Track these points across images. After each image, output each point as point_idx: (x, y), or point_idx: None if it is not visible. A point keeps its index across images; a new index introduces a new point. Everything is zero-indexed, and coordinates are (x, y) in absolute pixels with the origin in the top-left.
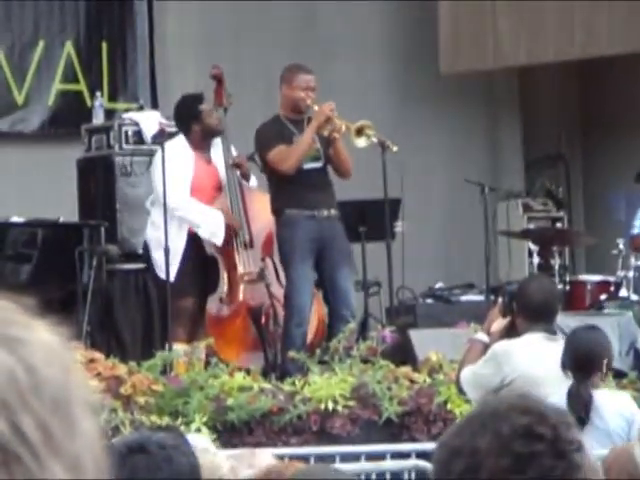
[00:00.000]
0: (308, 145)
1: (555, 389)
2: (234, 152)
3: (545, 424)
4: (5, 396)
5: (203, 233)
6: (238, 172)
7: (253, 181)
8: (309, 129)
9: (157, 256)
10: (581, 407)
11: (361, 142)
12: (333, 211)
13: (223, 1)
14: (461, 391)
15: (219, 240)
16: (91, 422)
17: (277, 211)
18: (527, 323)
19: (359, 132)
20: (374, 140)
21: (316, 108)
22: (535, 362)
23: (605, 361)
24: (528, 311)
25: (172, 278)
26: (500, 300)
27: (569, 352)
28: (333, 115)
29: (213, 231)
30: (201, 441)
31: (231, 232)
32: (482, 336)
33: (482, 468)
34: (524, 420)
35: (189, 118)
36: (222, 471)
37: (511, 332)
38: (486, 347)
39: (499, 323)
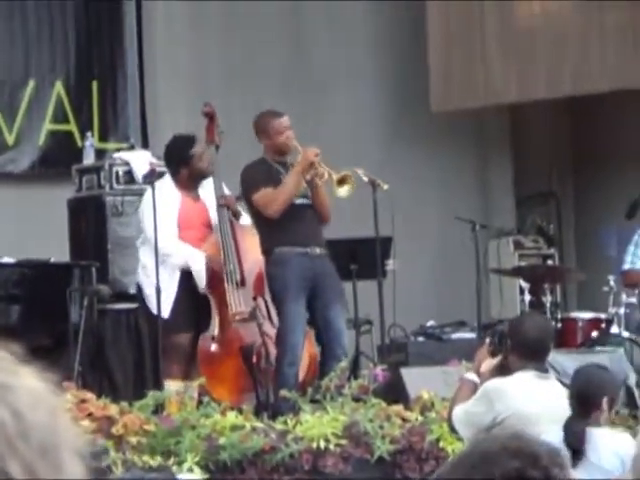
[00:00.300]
0: (292, 189)
1: (547, 427)
2: (226, 190)
3: (537, 467)
4: None
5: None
6: (230, 213)
7: (245, 219)
8: (293, 173)
9: (150, 293)
10: (574, 441)
11: (342, 192)
12: (323, 250)
13: (214, 38)
14: (453, 430)
15: (202, 283)
16: (77, 466)
17: (267, 250)
18: (521, 361)
19: (341, 182)
20: (364, 179)
21: (300, 149)
22: (527, 400)
23: (605, 399)
24: (523, 348)
25: (166, 315)
26: (488, 340)
27: (571, 388)
28: (317, 161)
29: (196, 277)
30: None
31: (220, 272)
32: (472, 376)
33: None
34: (515, 464)
35: (179, 161)
36: None
37: (502, 371)
38: (476, 387)
39: (489, 363)
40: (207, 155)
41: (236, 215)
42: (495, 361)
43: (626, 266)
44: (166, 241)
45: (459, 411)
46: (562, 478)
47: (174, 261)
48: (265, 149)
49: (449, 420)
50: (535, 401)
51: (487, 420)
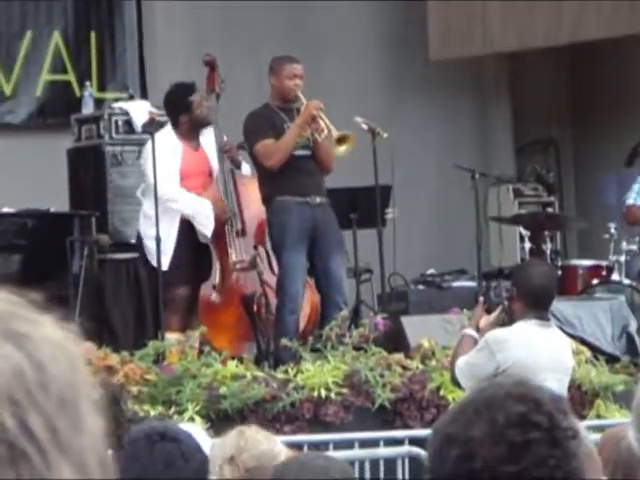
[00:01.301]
0: (292, 141)
1: (549, 376)
2: (225, 139)
3: (541, 412)
4: (13, 392)
5: (195, 224)
6: (229, 161)
7: (246, 168)
8: (294, 126)
9: (150, 245)
10: None
11: (341, 150)
12: (325, 199)
13: None
14: (456, 383)
15: (208, 231)
16: (96, 420)
17: (268, 198)
18: (525, 309)
19: (341, 140)
20: (364, 127)
21: (304, 100)
22: (529, 350)
23: None
24: (528, 296)
25: (165, 267)
26: (481, 298)
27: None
28: (319, 114)
29: (203, 222)
30: (194, 430)
31: (222, 221)
32: (471, 331)
33: (476, 456)
34: (519, 408)
35: (178, 109)
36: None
37: (501, 326)
38: (476, 342)
39: (486, 319)
40: (206, 103)
41: (237, 165)
42: (492, 317)
43: (630, 201)
44: (170, 188)
45: (461, 363)
46: (566, 425)
47: (178, 207)
48: (271, 92)
49: (452, 374)
50: (537, 350)
51: (489, 371)
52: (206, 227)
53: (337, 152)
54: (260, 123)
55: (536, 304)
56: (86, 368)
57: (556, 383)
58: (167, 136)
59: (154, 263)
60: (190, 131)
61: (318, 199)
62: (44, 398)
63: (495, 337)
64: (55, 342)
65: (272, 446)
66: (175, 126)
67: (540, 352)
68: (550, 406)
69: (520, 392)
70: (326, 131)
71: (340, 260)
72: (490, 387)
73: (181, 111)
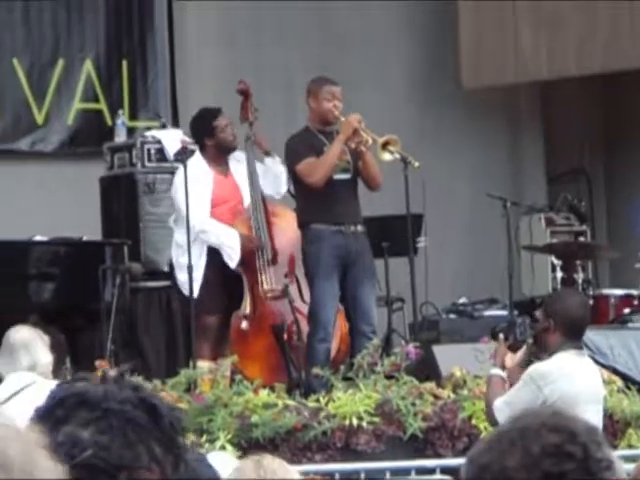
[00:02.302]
0: (335, 157)
1: (587, 407)
2: (259, 168)
3: (575, 443)
4: None
5: (223, 254)
6: (260, 151)
7: (277, 160)
8: (336, 141)
9: (180, 274)
10: None
11: (386, 156)
12: (360, 227)
13: (243, 15)
14: (495, 424)
15: (233, 263)
16: None
17: (303, 225)
18: (563, 339)
19: (385, 146)
20: (396, 156)
21: (343, 119)
22: (571, 381)
23: None
24: (568, 327)
25: (195, 295)
26: (502, 336)
27: None
28: (360, 127)
29: (229, 254)
30: (226, 458)
31: (252, 250)
32: (498, 371)
33: None
34: (554, 438)
35: (203, 133)
36: None
37: (529, 362)
38: (505, 381)
39: (513, 357)
40: (231, 127)
41: (267, 151)
42: (519, 355)
43: None
44: (201, 219)
45: (500, 404)
46: (600, 456)
47: (208, 238)
48: (310, 115)
49: (490, 417)
50: (578, 381)
51: (535, 405)
52: (230, 258)
53: (384, 158)
54: (300, 144)
55: (574, 334)
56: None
57: (595, 414)
58: (197, 163)
59: (185, 292)
60: (217, 156)
61: (352, 228)
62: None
63: (539, 371)
64: (9, 428)
65: (290, 475)
66: (202, 151)
67: (581, 383)
68: (585, 437)
69: (555, 422)
70: (370, 141)
71: (370, 289)
72: (525, 417)
73: (206, 135)
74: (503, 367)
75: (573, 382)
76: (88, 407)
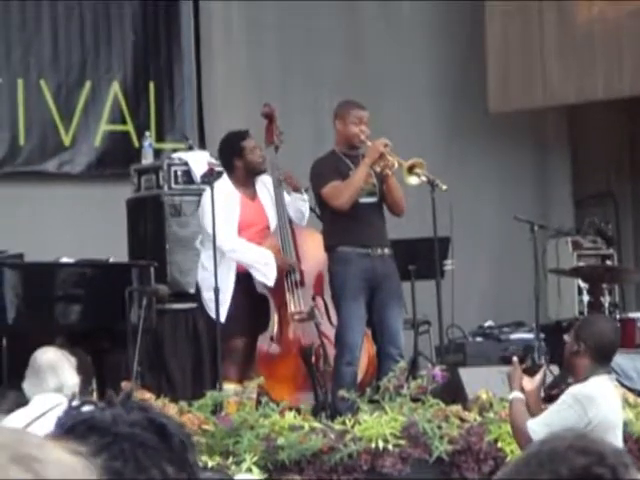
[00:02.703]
0: (361, 181)
1: (618, 432)
2: (286, 196)
3: (604, 465)
4: None
5: (255, 274)
6: (290, 188)
7: (306, 199)
8: (362, 165)
9: (207, 297)
10: None
11: (413, 180)
12: (387, 250)
13: (271, 38)
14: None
15: (270, 282)
16: None
17: (330, 247)
18: (595, 364)
19: (411, 170)
20: (423, 179)
21: (369, 143)
22: (610, 405)
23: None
24: (601, 352)
25: (222, 318)
26: (516, 359)
27: None
28: (386, 151)
29: (265, 273)
30: None
31: (283, 271)
32: (519, 394)
33: None
34: (583, 461)
35: (231, 154)
36: None
37: (555, 385)
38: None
39: (531, 381)
40: (259, 150)
41: (298, 189)
42: (537, 378)
43: None
44: (228, 237)
45: (538, 426)
46: (628, 478)
47: (238, 257)
48: (336, 138)
49: (520, 440)
50: (614, 406)
51: (579, 428)
52: (266, 277)
53: (410, 182)
54: (325, 168)
55: (604, 359)
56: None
57: (619, 438)
58: (224, 186)
59: (212, 314)
60: (245, 178)
61: (379, 250)
62: None
63: (585, 393)
64: (65, 464)
65: None
66: (230, 173)
67: (616, 408)
68: (613, 459)
69: (583, 445)
70: (396, 165)
71: (397, 312)
72: (552, 440)
73: (234, 156)
74: (521, 390)
75: (611, 406)
76: (98, 433)
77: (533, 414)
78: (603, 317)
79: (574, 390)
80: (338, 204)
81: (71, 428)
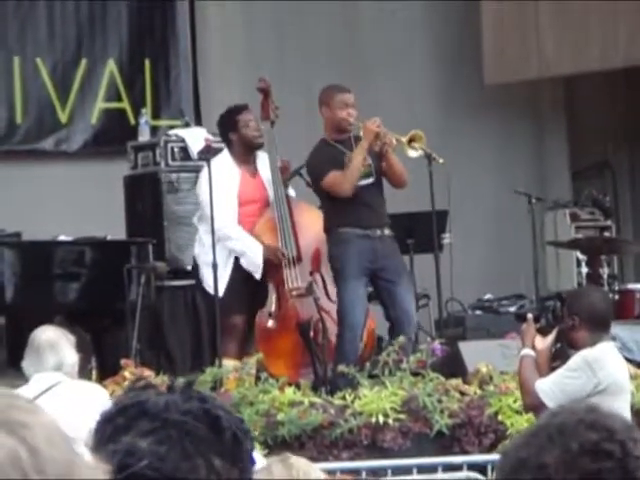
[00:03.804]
0: (360, 166)
1: (628, 396)
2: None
3: (614, 441)
4: (9, 476)
5: (243, 262)
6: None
7: (291, 192)
8: (359, 149)
9: (205, 273)
10: None
11: (413, 153)
12: (387, 230)
13: (266, 14)
14: (532, 408)
15: (257, 274)
16: None
17: (329, 229)
18: (594, 334)
19: (410, 142)
20: (421, 152)
21: (360, 125)
22: (619, 369)
23: None
24: (595, 322)
25: (221, 293)
26: (530, 316)
27: None
28: (380, 130)
29: (251, 263)
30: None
31: (271, 262)
32: (529, 351)
33: None
34: (593, 436)
35: (227, 129)
36: None
37: (559, 347)
38: (534, 362)
39: (543, 340)
40: (255, 124)
41: (284, 186)
42: (550, 338)
43: None
44: (226, 222)
45: (547, 386)
46: (638, 454)
47: (232, 245)
48: (325, 125)
49: (528, 398)
50: (622, 370)
51: (587, 389)
52: (255, 271)
53: (411, 155)
54: (321, 160)
55: (601, 328)
56: (85, 452)
57: (627, 403)
58: (223, 161)
59: (210, 290)
60: (243, 153)
61: (379, 231)
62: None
63: (594, 356)
64: (52, 427)
65: (318, 474)
66: (229, 148)
67: (625, 371)
68: (623, 435)
69: (593, 419)
70: (394, 141)
71: (406, 289)
72: (562, 413)
73: (230, 130)
74: (532, 348)
75: (620, 370)
76: (149, 417)
77: (541, 374)
78: (590, 287)
79: (584, 353)
80: (342, 193)
81: (124, 409)
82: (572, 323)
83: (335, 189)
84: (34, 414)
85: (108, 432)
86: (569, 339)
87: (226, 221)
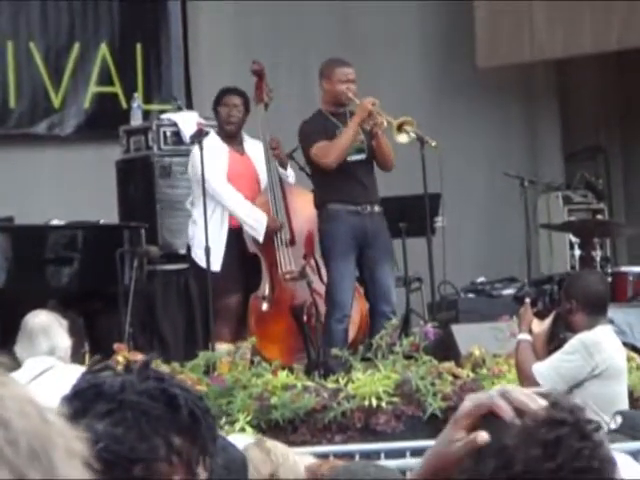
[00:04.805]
0: (350, 140)
1: (625, 378)
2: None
3: (563, 410)
4: None
5: (246, 227)
6: (275, 159)
7: (291, 173)
8: (351, 124)
9: (199, 254)
10: None
11: (402, 138)
12: (377, 207)
13: (257, 0)
14: None
15: (260, 237)
16: (73, 467)
17: (320, 205)
18: (590, 317)
19: (400, 128)
20: (413, 136)
21: (357, 101)
22: (616, 352)
23: None
24: (592, 304)
25: (217, 270)
26: (528, 300)
27: None
28: (375, 109)
29: (254, 226)
30: (246, 440)
31: (271, 231)
32: (526, 335)
33: (514, 462)
34: (544, 411)
35: (213, 108)
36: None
37: (555, 331)
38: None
39: (540, 324)
40: (233, 110)
41: (283, 164)
42: (547, 322)
43: None
44: (220, 184)
45: (544, 369)
46: (588, 418)
47: (230, 204)
48: (323, 97)
49: (526, 382)
50: (620, 353)
51: (584, 372)
52: (257, 231)
53: (400, 140)
54: (313, 129)
55: (599, 310)
56: (60, 421)
57: (625, 387)
58: (211, 140)
59: (203, 265)
60: (224, 134)
61: (369, 208)
62: (13, 453)
63: (591, 339)
64: (23, 398)
65: (295, 457)
66: (218, 127)
67: (622, 354)
68: (569, 404)
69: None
70: (385, 123)
71: (388, 269)
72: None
73: (214, 109)
74: (529, 332)
75: (617, 352)
76: (105, 399)
77: (539, 358)
78: (587, 271)
79: (581, 336)
80: (327, 163)
81: (80, 392)
82: (569, 306)
83: (321, 159)
84: (4, 386)
85: (66, 416)
86: (567, 322)
87: (221, 183)
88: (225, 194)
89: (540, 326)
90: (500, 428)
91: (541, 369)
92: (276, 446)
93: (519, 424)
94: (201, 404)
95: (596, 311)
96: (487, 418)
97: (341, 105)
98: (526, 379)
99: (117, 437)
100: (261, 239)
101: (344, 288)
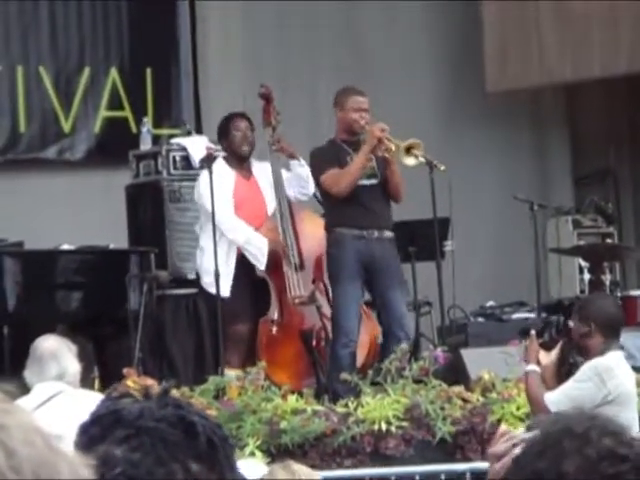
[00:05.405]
0: (360, 168)
1: (636, 404)
2: (284, 172)
3: (625, 445)
4: None
5: (247, 255)
6: (283, 153)
7: (303, 163)
8: (361, 152)
9: (208, 281)
10: None
11: (410, 161)
12: (387, 233)
13: (267, 22)
14: None
15: (261, 265)
16: None
17: (328, 229)
18: (607, 341)
19: (408, 151)
20: (421, 160)
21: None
22: (628, 378)
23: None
24: (610, 328)
25: (225, 295)
26: (533, 332)
27: None
28: (384, 136)
29: (255, 254)
30: (256, 465)
31: (279, 255)
32: (535, 367)
33: None
34: (607, 442)
35: (219, 134)
36: None
37: (562, 361)
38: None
39: (547, 355)
40: (245, 134)
41: (292, 155)
42: (554, 353)
43: None
44: (226, 215)
45: (556, 398)
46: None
47: (234, 236)
48: (337, 125)
49: (539, 412)
50: (631, 379)
51: (597, 399)
52: (257, 259)
53: (407, 162)
54: (323, 156)
55: (614, 334)
56: (64, 448)
57: (636, 412)
58: (218, 166)
59: (213, 292)
60: (235, 160)
61: (377, 233)
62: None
63: (604, 365)
64: (29, 426)
65: (318, 478)
66: (226, 153)
67: (632, 380)
68: (630, 439)
69: (601, 425)
70: (393, 148)
71: (401, 294)
72: (561, 420)
73: (221, 136)
74: (537, 364)
75: (628, 379)
76: (123, 425)
77: (548, 388)
78: (601, 294)
79: (593, 362)
80: (336, 191)
81: (99, 418)
82: (587, 329)
83: (332, 187)
84: (10, 415)
85: (84, 442)
86: (583, 347)
87: (227, 215)
88: (224, 224)
89: (548, 357)
90: (561, 452)
91: (553, 398)
92: (301, 468)
93: (581, 452)
94: (219, 432)
95: (613, 334)
96: (543, 442)
97: (354, 134)
98: (539, 409)
99: (134, 462)
100: (262, 267)
101: (349, 313)
